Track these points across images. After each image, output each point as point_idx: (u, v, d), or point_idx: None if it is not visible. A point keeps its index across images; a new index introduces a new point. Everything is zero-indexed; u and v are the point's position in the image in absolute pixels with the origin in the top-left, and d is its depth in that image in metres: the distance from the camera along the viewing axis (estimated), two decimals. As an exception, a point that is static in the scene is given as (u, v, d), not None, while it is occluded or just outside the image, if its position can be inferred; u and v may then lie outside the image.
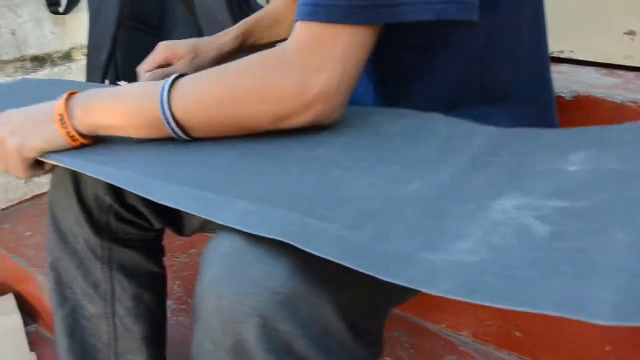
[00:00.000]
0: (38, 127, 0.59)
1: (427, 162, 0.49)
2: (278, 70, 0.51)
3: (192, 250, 1.29)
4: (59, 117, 0.57)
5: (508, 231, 0.37)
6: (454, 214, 0.41)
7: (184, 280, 1.17)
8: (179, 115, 0.54)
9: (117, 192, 0.73)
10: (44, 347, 1.28)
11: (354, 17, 0.49)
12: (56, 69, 1.53)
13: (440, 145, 0.52)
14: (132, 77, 1.32)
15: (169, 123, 0.54)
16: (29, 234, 1.40)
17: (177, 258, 1.28)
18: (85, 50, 1.59)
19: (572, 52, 1.27)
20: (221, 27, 1.22)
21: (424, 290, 0.34)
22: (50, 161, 0.59)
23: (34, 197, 1.56)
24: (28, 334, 1.25)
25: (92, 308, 0.78)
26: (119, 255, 0.77)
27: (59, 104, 0.58)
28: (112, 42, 1.15)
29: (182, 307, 1.10)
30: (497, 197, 0.42)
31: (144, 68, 0.86)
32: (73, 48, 1.56)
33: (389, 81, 0.66)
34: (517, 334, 0.98)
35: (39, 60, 1.51)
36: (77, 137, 0.58)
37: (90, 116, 0.57)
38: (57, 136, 0.58)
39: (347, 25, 0.50)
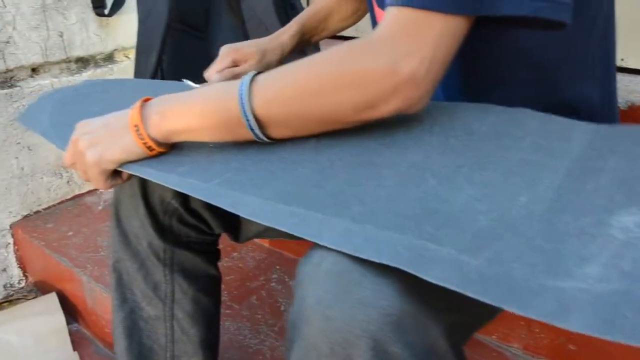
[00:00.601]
0: (115, 138, 0.58)
1: (527, 167, 0.47)
2: (366, 55, 0.49)
3: (234, 254, 1.28)
4: (135, 128, 0.57)
5: (637, 255, 0.35)
6: (571, 231, 0.39)
7: (227, 284, 1.17)
8: (259, 110, 0.52)
9: (183, 196, 0.73)
10: (85, 346, 1.29)
11: (449, 5, 0.48)
12: (99, 70, 1.55)
13: (536, 144, 0.50)
14: (177, 79, 1.33)
15: (248, 120, 0.53)
16: (70, 233, 1.41)
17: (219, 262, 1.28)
18: (127, 52, 1.61)
19: (622, 60, 1.25)
20: (267, 31, 1.22)
21: (556, 325, 0.32)
22: (130, 172, 0.59)
23: (74, 197, 1.57)
24: (69, 333, 1.26)
25: (151, 310, 0.78)
26: (180, 258, 0.77)
27: (132, 113, 0.57)
28: (161, 45, 1.15)
29: (227, 311, 1.10)
30: (614, 211, 0.40)
31: (213, 71, 0.86)
32: (115, 49, 1.58)
33: (466, 82, 0.65)
34: (571, 347, 0.95)
35: (83, 62, 1.52)
36: (154, 146, 0.57)
37: (166, 122, 0.56)
38: (133, 146, 0.57)
39: (441, 13, 0.49)
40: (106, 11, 1.48)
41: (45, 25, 1.39)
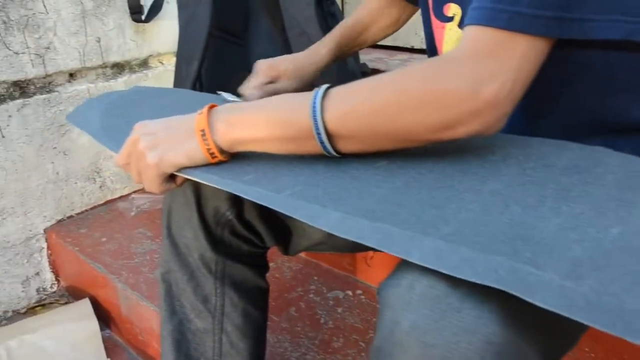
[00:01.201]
0: (178, 141, 0.57)
1: (615, 202, 0.45)
2: (446, 75, 0.48)
3: (271, 264, 1.26)
4: (201, 132, 0.56)
5: None
6: None
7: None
8: (332, 125, 0.51)
9: (238, 208, 0.71)
10: (118, 353, 1.28)
11: (537, 26, 0.47)
12: (134, 76, 1.55)
13: (621, 182, 0.48)
14: (216, 86, 1.33)
15: (319, 134, 0.52)
16: (104, 239, 1.41)
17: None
18: (161, 58, 1.61)
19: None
20: (309, 40, 1.21)
21: None
22: (192, 177, 0.57)
23: (106, 202, 1.57)
24: (102, 339, 1.25)
25: (199, 322, 0.77)
26: (232, 271, 0.76)
27: (199, 119, 0.56)
28: (203, 53, 1.15)
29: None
30: None
31: (250, 87, 0.86)
32: (150, 55, 1.58)
33: (526, 104, 0.63)
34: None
35: (118, 67, 1.52)
36: (217, 153, 0.56)
37: (233, 131, 0.55)
38: (197, 152, 0.57)
39: (527, 35, 0.47)
40: (143, 17, 1.48)
41: (84, 31, 1.39)
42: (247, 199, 0.71)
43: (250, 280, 0.78)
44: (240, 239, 0.75)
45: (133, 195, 1.59)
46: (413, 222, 0.44)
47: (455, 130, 0.49)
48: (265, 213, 0.74)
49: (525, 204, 0.46)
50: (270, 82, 0.87)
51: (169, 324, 0.77)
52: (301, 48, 1.21)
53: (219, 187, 0.55)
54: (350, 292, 1.17)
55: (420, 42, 1.57)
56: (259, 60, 0.88)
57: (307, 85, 0.91)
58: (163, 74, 1.61)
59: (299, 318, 1.09)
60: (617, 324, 0.34)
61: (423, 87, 0.48)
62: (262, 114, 0.55)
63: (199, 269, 0.74)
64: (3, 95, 1.30)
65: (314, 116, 0.51)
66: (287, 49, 1.25)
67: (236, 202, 0.71)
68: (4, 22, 1.24)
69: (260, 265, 0.81)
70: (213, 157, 0.57)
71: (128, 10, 1.47)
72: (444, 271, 0.39)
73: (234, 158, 0.59)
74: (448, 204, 0.47)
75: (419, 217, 0.45)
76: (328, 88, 0.54)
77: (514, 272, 0.37)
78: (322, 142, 0.53)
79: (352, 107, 0.51)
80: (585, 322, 0.34)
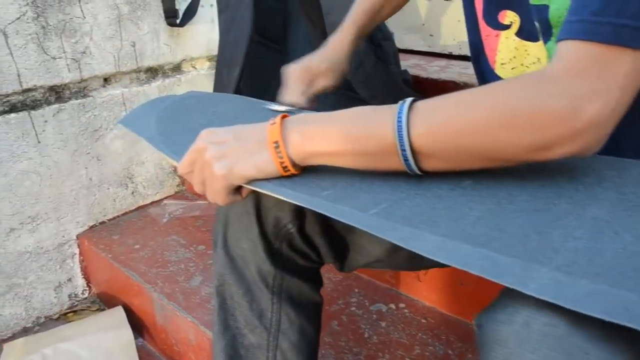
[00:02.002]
0: (249, 152, 0.55)
1: None
2: (545, 94, 0.45)
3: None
4: (274, 144, 0.53)
5: None
6: None
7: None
8: (418, 141, 0.48)
9: (300, 221, 0.68)
10: (152, 362, 1.26)
11: None
12: (167, 81, 1.53)
13: None
14: (254, 93, 1.30)
15: (403, 150, 0.49)
16: (137, 246, 1.39)
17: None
18: (194, 62, 1.59)
19: None
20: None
21: None
22: (265, 191, 0.55)
23: (138, 208, 1.56)
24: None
25: (253, 338, 0.74)
26: (289, 285, 0.73)
27: (272, 129, 0.54)
28: (245, 57, 1.12)
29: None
30: None
31: (292, 96, 0.82)
32: (183, 60, 1.56)
33: None
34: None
35: (152, 72, 1.51)
36: (290, 166, 0.54)
37: (308, 143, 0.53)
38: (269, 164, 0.54)
39: (632, 49, 0.44)
40: (178, 21, 1.46)
41: (120, 35, 1.38)
42: (310, 212, 0.69)
43: (307, 295, 0.75)
44: (297, 253, 0.72)
45: (165, 201, 1.57)
46: (520, 250, 0.41)
47: (552, 151, 0.45)
48: (327, 228, 0.71)
49: (636, 233, 0.42)
50: (309, 87, 0.84)
51: (221, 340, 0.74)
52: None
53: (296, 203, 0.52)
54: (393, 306, 1.13)
55: (458, 49, 1.54)
56: (288, 67, 0.85)
57: (342, 79, 0.89)
58: (196, 79, 1.59)
59: (342, 332, 1.06)
60: None
61: (520, 104, 0.45)
62: (340, 127, 0.52)
63: (256, 283, 0.71)
64: (39, 100, 1.28)
65: (399, 132, 0.49)
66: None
67: (299, 214, 0.68)
68: (43, 27, 1.23)
69: (316, 280, 0.78)
70: (285, 170, 0.54)
71: (163, 14, 1.45)
72: (567, 305, 0.35)
73: (304, 171, 0.56)
74: (551, 230, 0.43)
75: (525, 243, 0.42)
76: (413, 101, 0.51)
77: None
78: (405, 160, 0.50)
79: (443, 124, 0.48)
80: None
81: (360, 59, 1.15)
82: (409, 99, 0.50)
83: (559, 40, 0.48)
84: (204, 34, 1.57)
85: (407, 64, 1.49)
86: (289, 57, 1.31)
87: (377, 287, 1.20)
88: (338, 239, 0.73)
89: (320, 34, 1.27)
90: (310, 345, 0.76)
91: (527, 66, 0.67)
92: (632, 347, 0.37)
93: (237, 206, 0.69)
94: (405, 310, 1.12)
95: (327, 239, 0.71)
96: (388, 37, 1.26)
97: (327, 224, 0.70)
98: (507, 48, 0.68)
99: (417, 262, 0.81)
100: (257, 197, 0.68)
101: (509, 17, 0.66)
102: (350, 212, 0.48)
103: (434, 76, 1.34)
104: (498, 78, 0.71)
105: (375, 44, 1.20)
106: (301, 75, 0.83)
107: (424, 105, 0.49)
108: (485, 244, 0.42)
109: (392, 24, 1.38)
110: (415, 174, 0.52)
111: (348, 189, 0.52)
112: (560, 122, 0.44)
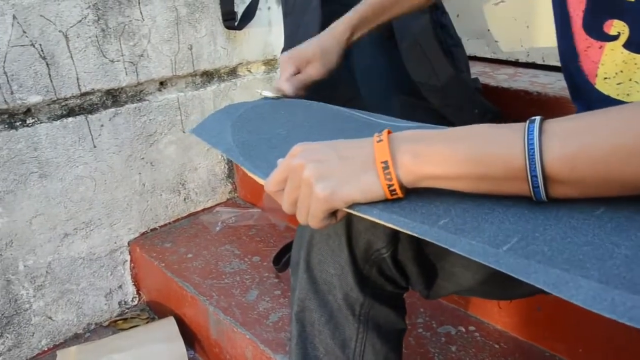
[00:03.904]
0: (354, 173, 0.49)
1: None
2: None
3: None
4: (382, 164, 0.48)
5: None
6: None
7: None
8: (554, 168, 0.43)
9: (394, 245, 0.63)
10: (204, 377, 1.22)
11: None
12: (222, 85, 1.49)
13: None
14: (320, 100, 1.25)
15: (534, 176, 0.43)
16: (190, 255, 1.35)
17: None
18: (250, 66, 1.55)
19: None
20: (423, 52, 1.12)
21: None
22: (372, 218, 0.49)
23: (189, 215, 1.52)
24: (188, 362, 1.20)
25: None
26: (377, 313, 0.67)
27: (380, 148, 0.48)
28: (311, 63, 1.07)
29: None
30: None
31: (282, 82, 0.83)
32: (240, 64, 1.52)
33: None
34: None
35: (207, 75, 1.47)
36: (398, 190, 0.48)
37: (421, 165, 0.47)
38: (375, 186, 0.48)
39: None
40: (235, 24, 1.42)
41: (177, 38, 1.35)
42: (405, 237, 0.63)
43: (393, 323, 0.69)
44: (385, 278, 0.66)
45: (217, 209, 1.53)
46: None
47: None
48: (420, 254, 0.64)
49: None
50: (298, 73, 0.84)
51: (298, 370, 0.68)
52: (414, 60, 1.13)
53: (410, 232, 0.46)
54: (462, 328, 1.06)
55: (526, 56, 1.45)
56: (282, 54, 0.85)
57: (333, 69, 0.88)
58: (252, 83, 1.55)
59: (411, 356, 0.99)
60: None
61: None
62: (458, 147, 0.46)
63: (341, 310, 0.66)
64: (96, 104, 1.26)
65: (531, 155, 0.43)
66: (394, 60, 1.16)
67: (393, 240, 0.62)
68: (103, 30, 1.20)
69: (401, 307, 0.72)
70: (392, 194, 0.48)
71: (221, 17, 1.41)
72: None
73: (409, 194, 0.50)
74: None
75: None
76: (542, 120, 0.44)
77: None
78: (535, 186, 0.44)
79: (585, 149, 0.42)
80: None
81: (432, 66, 1.09)
82: (537, 118, 0.44)
83: None
84: (261, 37, 1.53)
85: (473, 71, 1.42)
86: (354, 63, 1.25)
87: (444, 307, 1.13)
88: (430, 265, 0.67)
89: (386, 38, 1.22)
90: None
91: (636, 81, 0.59)
92: None
93: (325, 230, 0.64)
94: (476, 334, 1.05)
95: (420, 266, 0.65)
96: (458, 43, 1.19)
97: (420, 250, 0.64)
98: (612, 61, 0.60)
99: (509, 293, 0.75)
100: (348, 219, 0.62)
101: (617, 27, 0.59)
102: (482, 249, 0.42)
103: (504, 85, 1.27)
104: (599, 93, 0.63)
105: (446, 51, 1.13)
106: (290, 61, 0.83)
107: (560, 125, 0.43)
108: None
109: (457, 29, 1.31)
110: (541, 201, 0.45)
111: (467, 218, 0.46)
112: None
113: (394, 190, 0.48)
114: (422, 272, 0.66)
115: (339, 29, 0.87)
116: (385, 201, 0.49)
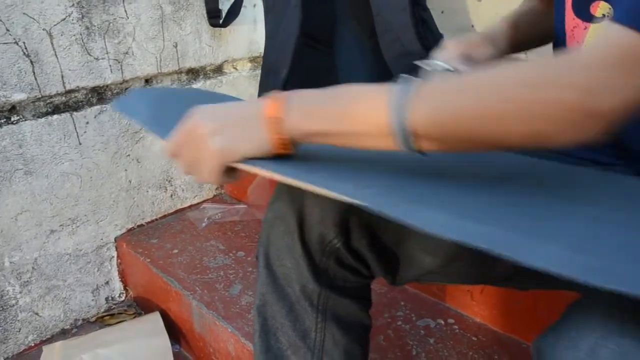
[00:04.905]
0: (247, 128, 0.51)
1: None
2: (562, 84, 0.40)
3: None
4: (274, 120, 0.49)
5: None
6: None
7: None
8: (420, 127, 0.45)
9: (346, 235, 0.64)
10: (189, 371, 1.23)
11: None
12: (208, 82, 1.50)
13: None
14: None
15: (403, 134, 0.45)
16: (176, 251, 1.36)
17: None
18: (235, 64, 1.56)
19: None
20: (403, 47, 1.13)
21: None
22: (265, 171, 0.50)
23: (176, 211, 1.53)
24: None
25: (296, 359, 0.70)
26: (335, 304, 0.69)
27: (271, 105, 0.50)
28: (292, 60, 1.08)
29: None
30: None
31: (446, 54, 0.74)
32: (225, 61, 1.53)
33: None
34: None
35: (193, 73, 1.48)
36: (289, 145, 0.50)
37: (309, 122, 0.49)
38: (266, 141, 0.50)
39: None
40: (220, 21, 1.43)
41: (162, 35, 1.36)
42: (356, 226, 0.65)
43: (354, 316, 0.71)
44: (346, 269, 0.67)
45: (204, 205, 1.54)
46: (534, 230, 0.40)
47: (552, 140, 0.42)
48: (374, 240, 0.66)
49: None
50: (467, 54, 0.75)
51: (263, 362, 0.70)
52: (395, 56, 1.14)
53: (292, 182, 0.48)
54: (442, 321, 1.08)
55: (509, 50, 1.46)
56: (447, 40, 0.77)
57: (502, 53, 0.79)
58: (237, 80, 1.56)
59: (389, 348, 1.01)
60: None
61: (532, 96, 0.41)
62: (342, 106, 0.49)
63: (299, 302, 0.67)
64: (82, 101, 1.27)
65: (399, 115, 0.45)
66: (376, 57, 1.18)
67: (344, 229, 0.64)
68: (87, 28, 1.21)
69: (365, 299, 0.73)
70: (284, 149, 0.50)
71: (206, 15, 1.42)
72: (574, 277, 0.33)
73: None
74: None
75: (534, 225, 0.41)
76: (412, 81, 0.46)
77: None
78: (406, 143, 0.46)
79: (447, 113, 0.44)
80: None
81: (412, 60, 1.10)
82: (407, 78, 0.47)
83: (612, 22, 0.41)
84: (246, 34, 1.54)
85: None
86: (337, 59, 1.27)
87: (424, 300, 1.14)
88: (387, 251, 0.68)
89: (368, 35, 1.23)
90: None
91: None
92: None
93: (279, 224, 0.66)
94: (455, 327, 1.07)
95: (376, 252, 0.67)
96: (439, 38, 1.20)
97: (374, 236, 0.66)
98: None
99: (471, 277, 0.76)
100: (300, 214, 0.64)
101: (602, 8, 0.59)
102: (383, 202, 0.44)
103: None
104: None
105: (427, 47, 1.14)
106: (460, 43, 0.75)
107: (429, 89, 0.45)
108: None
109: (439, 25, 1.32)
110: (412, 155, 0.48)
111: (358, 172, 0.51)
112: (568, 113, 0.40)
113: (287, 145, 0.50)
114: (379, 259, 0.67)
115: (500, 32, 0.80)
116: (275, 158, 0.52)
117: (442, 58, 0.73)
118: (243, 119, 0.51)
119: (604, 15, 0.60)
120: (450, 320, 1.08)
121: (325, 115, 0.49)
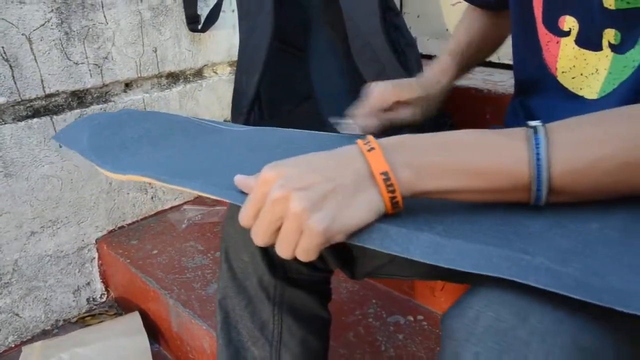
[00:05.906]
0: (352, 196, 0.42)
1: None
2: None
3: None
4: (382, 177, 0.42)
5: None
6: None
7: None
8: (560, 180, 0.42)
9: None
10: (168, 369, 1.25)
11: None
12: (188, 86, 1.53)
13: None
14: (274, 98, 1.28)
15: (539, 190, 0.42)
16: (155, 252, 1.38)
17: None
18: (215, 68, 1.59)
19: None
20: (373, 52, 1.16)
21: None
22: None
23: (157, 213, 1.56)
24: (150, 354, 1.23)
25: (256, 350, 0.73)
26: (291, 296, 0.72)
27: (375, 158, 0.43)
28: (265, 64, 1.11)
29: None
30: None
31: (362, 115, 0.72)
32: (205, 65, 1.56)
33: None
34: None
35: (173, 77, 1.51)
36: (401, 204, 0.43)
37: (423, 181, 0.43)
38: (378, 204, 0.43)
39: None
40: (199, 27, 1.46)
41: (142, 40, 1.38)
42: None
43: (311, 309, 0.74)
44: (301, 262, 0.70)
45: (184, 207, 1.57)
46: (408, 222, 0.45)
47: None
48: None
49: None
50: (388, 110, 0.74)
51: (224, 354, 0.73)
52: (365, 61, 1.17)
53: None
54: (411, 318, 1.11)
55: (497, 58, 1.50)
56: (372, 83, 0.74)
57: (430, 114, 0.78)
58: (217, 84, 1.59)
59: (358, 344, 1.03)
60: (604, 297, 0.36)
61: None
62: (461, 161, 0.43)
63: (257, 294, 0.70)
64: (62, 105, 1.29)
65: (538, 169, 0.42)
66: (349, 62, 1.21)
67: None
68: (66, 33, 1.24)
69: (322, 293, 0.76)
70: (394, 209, 0.44)
71: (185, 20, 1.45)
72: (443, 264, 0.40)
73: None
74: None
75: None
76: (545, 128, 0.43)
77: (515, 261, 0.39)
78: (538, 198, 0.43)
79: (592, 163, 0.41)
80: (577, 297, 0.36)
81: (383, 66, 1.13)
82: (540, 127, 0.43)
83: None
84: (226, 39, 1.57)
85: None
86: (310, 63, 1.30)
87: (395, 297, 1.17)
88: (340, 244, 0.71)
89: (341, 40, 1.26)
90: (314, 359, 0.74)
91: (586, 76, 0.62)
92: (574, 340, 0.37)
93: (236, 220, 0.68)
94: (424, 323, 1.09)
95: (331, 247, 0.69)
96: (411, 43, 1.23)
97: None
98: (566, 56, 0.63)
99: (425, 270, 0.76)
100: None
101: (569, 22, 0.61)
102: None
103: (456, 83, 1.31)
104: (561, 86, 0.65)
105: (399, 51, 1.18)
106: (386, 96, 0.72)
107: (563, 137, 0.42)
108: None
109: (415, 29, 1.35)
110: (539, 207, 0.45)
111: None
112: None
113: (398, 203, 0.43)
114: (334, 252, 0.70)
115: (443, 81, 0.80)
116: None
117: (360, 113, 0.72)
118: (343, 181, 0.43)
119: (570, 29, 0.61)
120: (420, 317, 1.11)
121: (444, 170, 0.43)
